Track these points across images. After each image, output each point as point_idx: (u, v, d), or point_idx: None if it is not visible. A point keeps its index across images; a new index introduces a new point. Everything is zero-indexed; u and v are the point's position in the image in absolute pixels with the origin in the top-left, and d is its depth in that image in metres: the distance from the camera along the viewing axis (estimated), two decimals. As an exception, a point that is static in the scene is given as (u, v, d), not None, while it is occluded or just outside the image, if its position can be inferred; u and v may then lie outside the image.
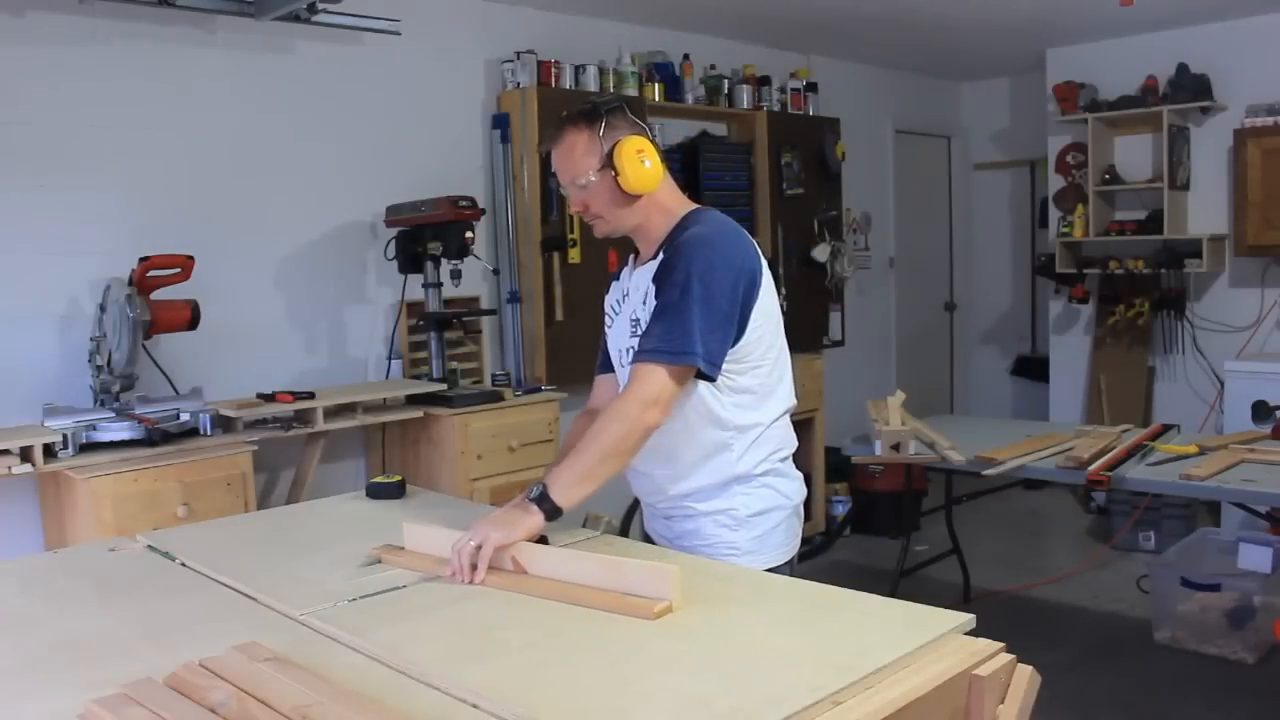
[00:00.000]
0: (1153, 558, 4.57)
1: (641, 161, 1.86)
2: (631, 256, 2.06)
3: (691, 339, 1.78)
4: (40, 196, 3.30)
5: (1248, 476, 3.26)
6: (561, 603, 1.58)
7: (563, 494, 1.74)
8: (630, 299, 1.99)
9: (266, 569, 1.83)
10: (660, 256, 1.90)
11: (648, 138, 1.91)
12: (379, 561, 1.83)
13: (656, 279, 1.87)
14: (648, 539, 2.08)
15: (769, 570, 1.90)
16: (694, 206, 1.98)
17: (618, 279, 2.09)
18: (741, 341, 1.87)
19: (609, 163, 1.87)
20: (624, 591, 1.55)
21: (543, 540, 1.76)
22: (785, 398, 2.00)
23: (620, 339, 2.02)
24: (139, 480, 2.95)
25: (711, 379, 1.84)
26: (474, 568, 1.67)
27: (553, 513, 1.74)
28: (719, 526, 1.92)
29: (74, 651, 1.47)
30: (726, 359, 1.85)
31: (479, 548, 1.68)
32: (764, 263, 1.93)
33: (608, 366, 2.11)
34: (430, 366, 3.99)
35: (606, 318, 2.09)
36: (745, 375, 1.90)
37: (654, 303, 1.87)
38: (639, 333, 1.93)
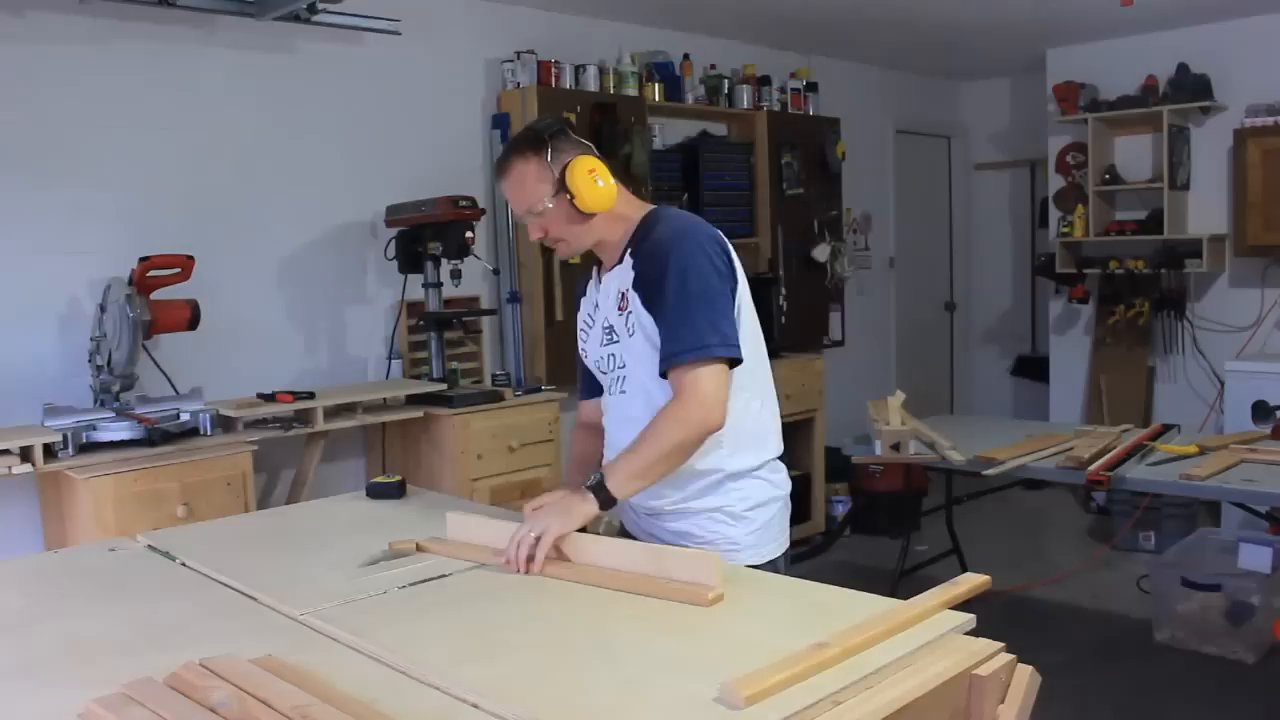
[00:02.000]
0: (1153, 558, 4.57)
1: (595, 181, 1.87)
2: (595, 268, 2.05)
3: (707, 331, 1.79)
4: (40, 196, 3.30)
5: (1248, 476, 3.26)
6: (611, 589, 1.62)
7: (619, 486, 1.78)
8: (601, 309, 1.99)
9: (266, 569, 1.83)
10: (628, 260, 1.91)
11: (595, 155, 1.92)
12: (382, 560, 1.83)
13: (639, 283, 1.87)
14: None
15: (767, 563, 1.92)
16: (650, 207, 1.98)
17: (585, 295, 2.08)
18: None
19: (562, 187, 1.87)
20: (668, 578, 1.61)
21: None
22: (769, 390, 1.99)
23: (596, 349, 2.02)
24: (139, 480, 2.95)
25: (739, 361, 1.84)
26: (531, 559, 1.71)
27: (607, 502, 1.77)
28: (715, 523, 1.92)
29: (74, 651, 1.47)
30: None
31: (538, 539, 1.71)
32: (730, 248, 1.92)
33: (590, 392, 2.11)
34: (430, 366, 3.99)
35: (580, 334, 2.09)
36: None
37: (637, 307, 1.87)
38: (614, 338, 1.94)
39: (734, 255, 1.91)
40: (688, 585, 1.58)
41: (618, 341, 1.95)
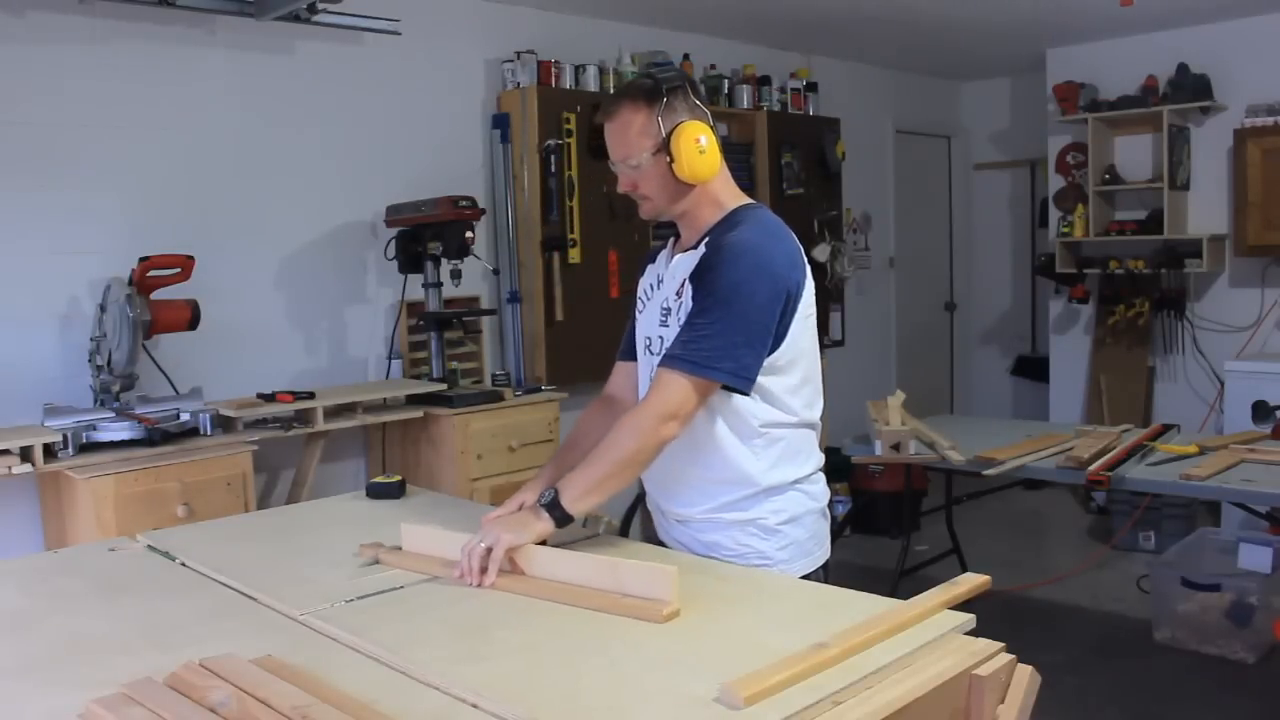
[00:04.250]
0: (1153, 558, 4.57)
1: (699, 151, 1.78)
2: (672, 240, 1.99)
3: (721, 353, 1.72)
4: (40, 196, 3.30)
5: (1248, 476, 3.26)
6: (565, 604, 1.57)
7: (573, 502, 1.73)
8: (664, 286, 1.92)
9: (266, 569, 1.83)
10: (702, 249, 1.83)
11: (708, 123, 1.83)
12: (377, 562, 1.83)
13: (694, 277, 1.81)
14: (660, 545, 2.00)
15: (803, 578, 1.85)
16: (746, 201, 1.91)
17: (653, 262, 2.02)
18: (778, 351, 1.80)
19: (665, 147, 1.79)
20: (623, 593, 1.56)
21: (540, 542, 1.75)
22: (815, 408, 1.92)
23: (649, 326, 1.95)
24: (139, 480, 2.95)
25: (744, 393, 1.78)
26: (484, 570, 1.66)
27: (562, 520, 1.73)
28: (749, 536, 1.85)
29: (74, 651, 1.47)
30: (762, 368, 1.79)
31: (489, 550, 1.67)
32: (808, 270, 1.85)
33: (630, 354, 2.04)
34: (430, 366, 3.99)
35: (638, 301, 2.01)
36: (777, 385, 1.82)
37: (688, 299, 1.81)
38: (668, 322, 1.88)
39: (805, 279, 1.83)
40: (642, 601, 1.53)
41: (669, 326, 1.88)
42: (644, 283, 2.02)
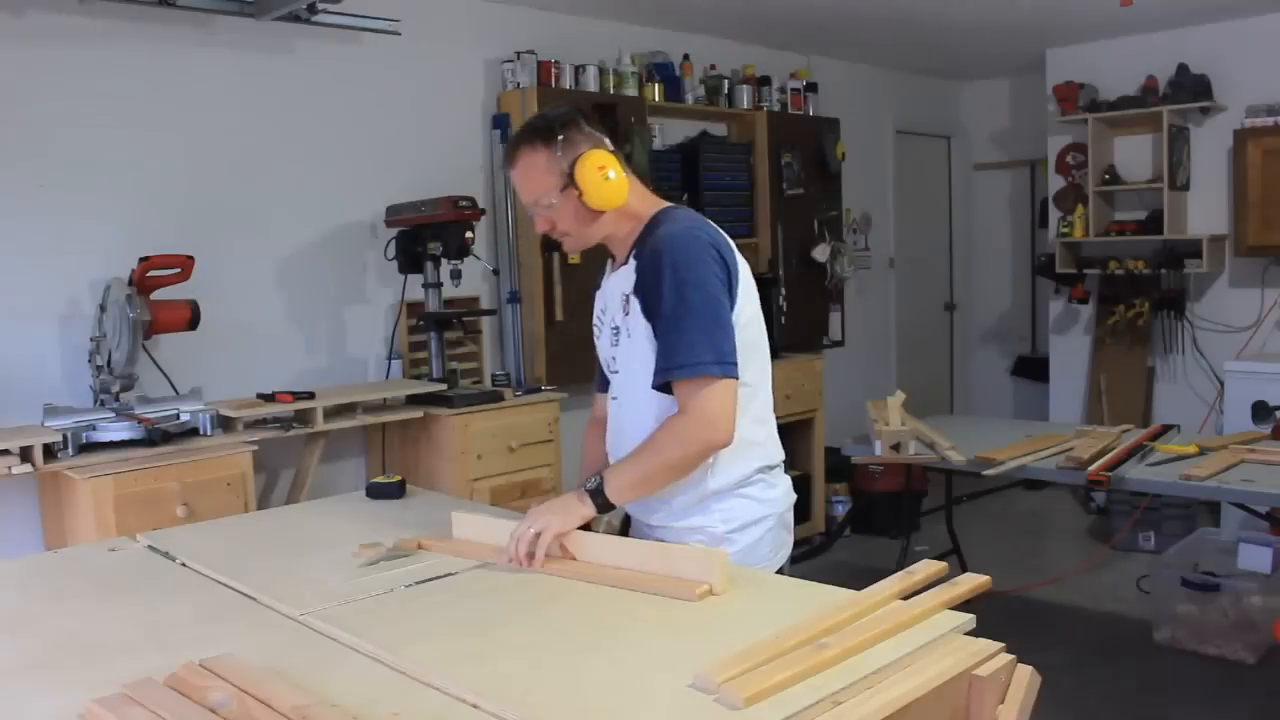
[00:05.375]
0: (1153, 558, 4.57)
1: (605, 177, 1.81)
2: (609, 262, 2.00)
3: (709, 348, 1.74)
4: (40, 196, 3.30)
5: (1248, 476, 3.26)
6: (608, 586, 1.64)
7: (617, 493, 1.79)
8: (610, 307, 1.95)
9: (266, 569, 1.83)
10: (632, 262, 1.86)
11: (607, 149, 1.85)
12: (382, 560, 1.83)
13: (639, 290, 1.82)
14: None
15: None
16: (663, 205, 1.93)
17: (599, 288, 2.03)
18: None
19: (570, 181, 1.82)
20: (666, 575, 1.62)
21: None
22: (762, 401, 1.92)
23: (605, 348, 1.99)
24: (139, 480, 2.95)
25: (735, 378, 1.78)
26: (531, 555, 1.73)
27: (604, 507, 1.79)
28: (699, 542, 1.85)
29: (74, 651, 1.47)
30: None
31: (538, 535, 1.74)
32: (740, 259, 1.86)
33: (606, 384, 2.04)
34: (430, 366, 3.99)
35: (594, 328, 2.04)
36: None
37: (636, 311, 1.83)
38: (618, 341, 1.91)
39: (737, 260, 1.85)
40: (679, 580, 1.58)
41: (619, 345, 1.91)
42: (596, 309, 2.04)
